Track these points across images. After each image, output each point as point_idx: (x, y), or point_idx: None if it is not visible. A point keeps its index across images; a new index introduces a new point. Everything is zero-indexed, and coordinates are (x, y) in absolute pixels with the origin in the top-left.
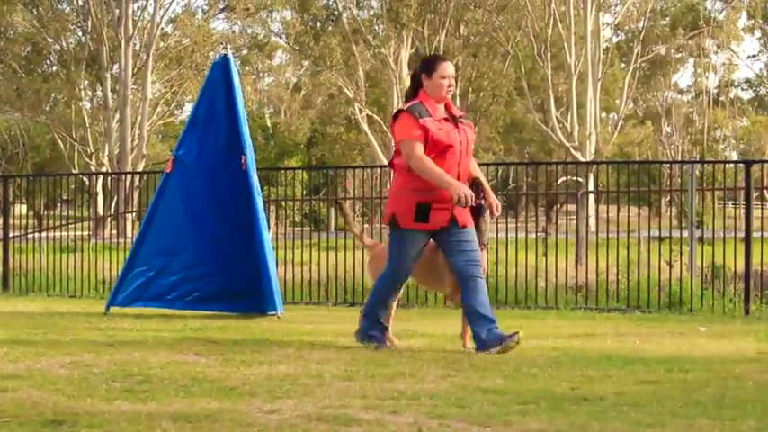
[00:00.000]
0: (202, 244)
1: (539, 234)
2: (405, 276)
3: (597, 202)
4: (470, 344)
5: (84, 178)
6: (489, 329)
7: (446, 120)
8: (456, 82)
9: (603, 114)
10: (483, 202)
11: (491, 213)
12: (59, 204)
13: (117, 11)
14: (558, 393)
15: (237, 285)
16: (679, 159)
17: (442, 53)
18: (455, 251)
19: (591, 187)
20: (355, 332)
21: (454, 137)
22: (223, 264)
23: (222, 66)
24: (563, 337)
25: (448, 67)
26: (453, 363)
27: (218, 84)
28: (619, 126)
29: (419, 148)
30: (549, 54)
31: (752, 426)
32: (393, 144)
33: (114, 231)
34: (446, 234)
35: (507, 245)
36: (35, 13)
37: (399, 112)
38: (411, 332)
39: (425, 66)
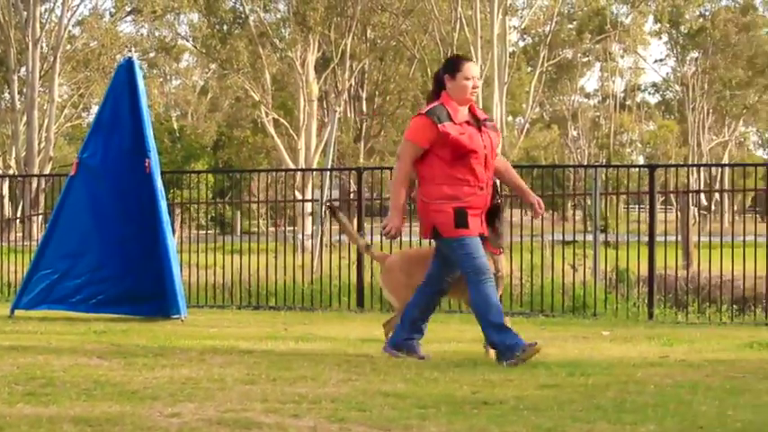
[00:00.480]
0: (107, 247)
1: None
2: (486, 272)
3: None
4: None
5: None
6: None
7: (468, 123)
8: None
9: (510, 118)
10: (500, 201)
11: (535, 212)
12: None
13: (24, 13)
14: (459, 397)
15: (142, 289)
16: (585, 163)
17: (348, 57)
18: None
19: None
20: (495, 355)
21: (477, 141)
22: (127, 267)
23: (127, 69)
24: (465, 342)
25: (472, 68)
26: (355, 366)
27: (123, 87)
28: (525, 130)
29: (413, 152)
30: None
31: (652, 430)
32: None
33: (20, 234)
34: None
35: (411, 247)
36: None
37: (419, 114)
38: (313, 336)
39: (449, 66)
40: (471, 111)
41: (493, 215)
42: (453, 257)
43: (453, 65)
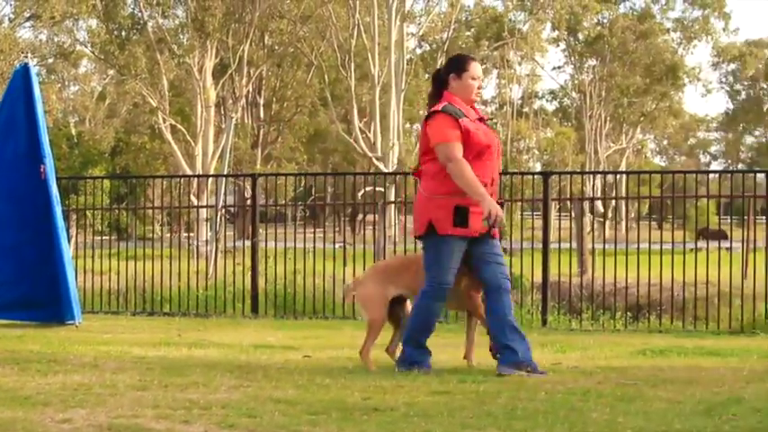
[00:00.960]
0: (1, 252)
1: (339, 245)
2: (445, 291)
3: (400, 212)
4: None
5: None
6: (527, 347)
7: (480, 120)
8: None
9: (407, 125)
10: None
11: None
12: None
13: None
14: (350, 403)
15: (37, 294)
16: None
17: (245, 63)
18: (488, 261)
19: (392, 197)
20: (396, 360)
21: (491, 137)
22: (22, 272)
23: (22, 74)
24: (358, 348)
25: (478, 68)
26: (247, 373)
27: (19, 92)
28: None
29: (459, 151)
30: (352, 64)
31: None
32: (419, 148)
33: None
34: (480, 243)
35: (305, 255)
36: None
37: (434, 113)
38: (207, 342)
39: (455, 65)
40: (474, 110)
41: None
42: (427, 258)
43: (460, 64)
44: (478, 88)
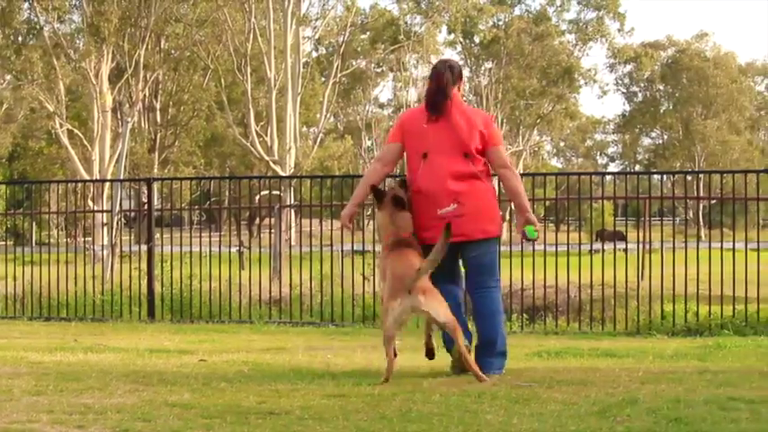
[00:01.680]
0: None
1: (234, 248)
2: None
3: (298, 215)
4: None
5: None
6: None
7: None
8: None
9: (304, 128)
10: None
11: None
12: None
13: None
14: (245, 407)
15: None
16: None
17: (141, 67)
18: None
19: (290, 201)
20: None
21: None
22: None
23: None
24: (254, 351)
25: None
26: (143, 377)
27: None
28: (319, 140)
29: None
30: (249, 68)
31: None
32: (473, 148)
33: None
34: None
35: (201, 259)
36: None
37: (489, 115)
38: (103, 346)
39: (459, 74)
40: None
41: None
42: (490, 257)
43: (460, 73)
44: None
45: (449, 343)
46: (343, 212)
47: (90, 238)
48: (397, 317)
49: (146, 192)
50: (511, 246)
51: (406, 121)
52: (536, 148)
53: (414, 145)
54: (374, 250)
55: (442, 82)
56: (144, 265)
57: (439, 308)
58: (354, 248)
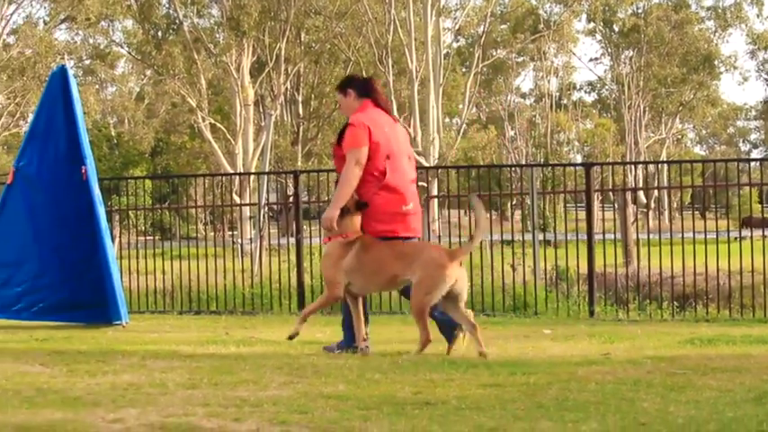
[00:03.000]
0: (46, 255)
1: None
2: None
3: (442, 206)
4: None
5: None
6: None
7: None
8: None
9: (447, 119)
10: None
11: None
12: None
13: None
14: (401, 398)
15: (82, 295)
16: (523, 163)
17: (282, 60)
18: None
19: (435, 192)
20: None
21: None
22: (67, 274)
23: (60, 76)
24: (407, 342)
25: None
26: (296, 369)
27: (57, 94)
28: (462, 130)
29: None
30: (390, 60)
31: (594, 428)
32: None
33: None
34: None
35: None
36: None
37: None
38: (254, 339)
39: None
40: None
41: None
42: None
43: None
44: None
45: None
46: (330, 215)
47: (236, 232)
48: (445, 288)
49: (291, 184)
50: (660, 234)
51: (372, 126)
52: (679, 136)
53: (381, 147)
54: (523, 240)
55: (382, 92)
56: (293, 258)
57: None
58: (501, 238)
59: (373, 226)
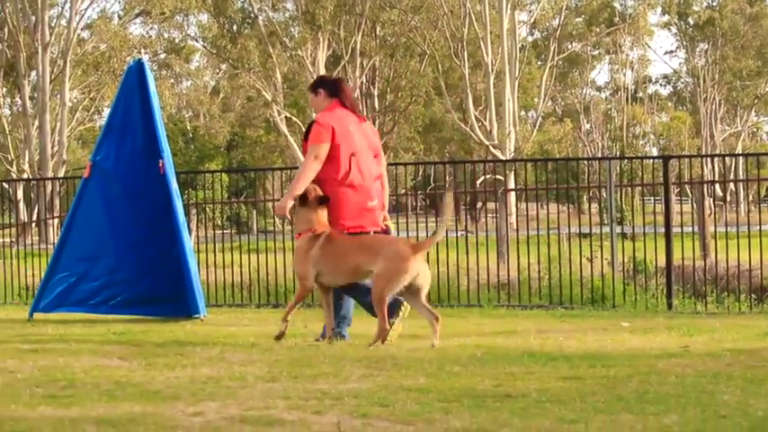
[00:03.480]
0: (123, 249)
1: (461, 233)
2: None
3: (519, 199)
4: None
5: (5, 185)
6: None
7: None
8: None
9: (522, 112)
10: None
11: None
12: None
13: (33, 18)
14: (481, 391)
15: (159, 289)
16: (599, 156)
17: (358, 54)
18: None
19: (511, 185)
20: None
21: None
22: (144, 268)
23: (136, 71)
24: (486, 335)
25: None
26: (376, 362)
27: (133, 88)
28: (538, 124)
29: None
30: (465, 53)
31: (675, 420)
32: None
33: (37, 238)
34: None
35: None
36: None
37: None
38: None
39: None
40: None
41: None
42: None
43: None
44: None
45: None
46: (282, 204)
47: None
48: (406, 280)
49: None
50: (738, 226)
51: (336, 125)
52: (754, 129)
53: (344, 145)
54: (601, 232)
55: (350, 93)
56: None
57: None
58: (577, 231)
59: (341, 223)
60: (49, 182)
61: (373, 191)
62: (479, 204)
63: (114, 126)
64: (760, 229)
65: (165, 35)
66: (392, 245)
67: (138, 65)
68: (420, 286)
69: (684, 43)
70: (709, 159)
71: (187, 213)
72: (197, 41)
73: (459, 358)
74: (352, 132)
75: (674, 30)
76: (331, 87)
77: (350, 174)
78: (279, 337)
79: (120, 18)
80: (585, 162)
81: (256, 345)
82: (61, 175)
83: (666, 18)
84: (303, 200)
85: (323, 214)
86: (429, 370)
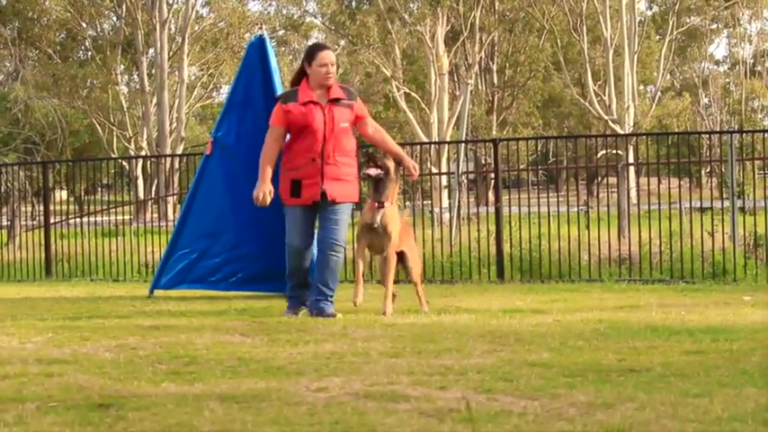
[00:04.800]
0: (244, 225)
1: (581, 208)
2: (294, 250)
3: (638, 174)
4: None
5: (124, 162)
6: (316, 300)
7: (313, 103)
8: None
9: (641, 87)
10: (379, 171)
11: (411, 175)
12: (100, 189)
13: None
14: (605, 365)
15: (280, 266)
16: (718, 130)
17: (477, 29)
18: (322, 225)
19: (631, 160)
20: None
21: (315, 118)
22: (265, 245)
23: (258, 47)
24: (608, 310)
25: (327, 56)
26: (499, 337)
27: (255, 65)
28: (657, 98)
29: (271, 134)
30: (584, 28)
31: None
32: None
33: (156, 215)
34: (320, 208)
35: (550, 219)
36: None
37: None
38: (456, 308)
39: (306, 55)
40: (329, 92)
41: (377, 180)
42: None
43: (310, 54)
44: (327, 74)
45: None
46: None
47: (429, 201)
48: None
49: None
50: None
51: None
52: None
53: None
54: (722, 206)
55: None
56: (492, 227)
57: None
58: (697, 205)
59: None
60: (168, 159)
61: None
62: (598, 179)
63: (236, 102)
64: None
65: (284, 11)
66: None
67: (260, 41)
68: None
69: None
70: None
71: None
72: (315, 18)
73: (583, 333)
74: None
75: None
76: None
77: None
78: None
79: None
80: (705, 136)
81: (378, 321)
82: (179, 152)
83: None
84: (388, 173)
85: (394, 188)
86: (552, 345)
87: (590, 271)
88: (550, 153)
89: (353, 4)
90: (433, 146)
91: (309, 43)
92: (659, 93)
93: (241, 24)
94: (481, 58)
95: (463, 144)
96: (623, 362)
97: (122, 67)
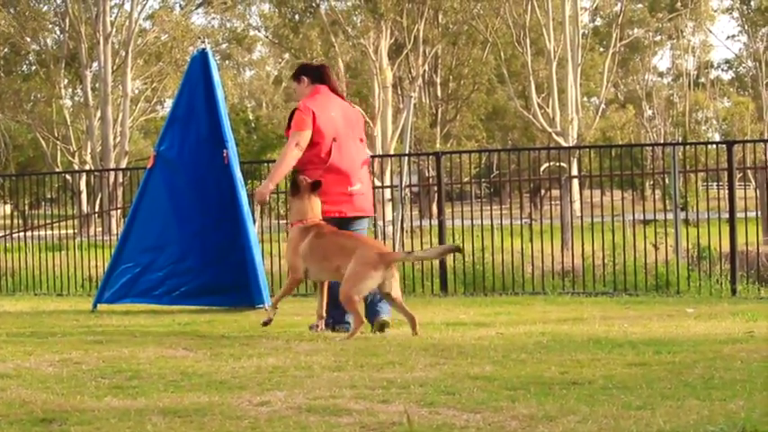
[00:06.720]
0: (187, 239)
1: (524, 220)
2: None
3: (582, 186)
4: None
5: (68, 176)
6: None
7: None
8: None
9: (585, 99)
10: None
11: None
12: (44, 203)
13: (95, 9)
14: (548, 378)
15: (224, 279)
16: (661, 142)
17: (420, 42)
18: None
19: (575, 172)
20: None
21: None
22: (209, 258)
23: (201, 60)
24: (551, 322)
25: None
26: (442, 351)
27: (197, 78)
28: (600, 110)
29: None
30: (527, 40)
31: (741, 406)
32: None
33: (100, 229)
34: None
35: (493, 232)
36: (12, 12)
37: None
38: (400, 321)
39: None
40: None
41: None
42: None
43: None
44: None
45: (372, 315)
46: (262, 191)
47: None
48: (371, 285)
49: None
50: (746, 211)
51: (317, 110)
52: None
53: (326, 130)
54: (665, 219)
55: (335, 79)
56: (434, 240)
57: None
58: (640, 218)
59: (321, 207)
60: (112, 173)
61: (355, 176)
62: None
63: (178, 116)
64: None
65: (227, 25)
66: (366, 249)
67: (203, 54)
68: (388, 291)
69: (746, 28)
70: (765, 145)
71: (251, 203)
72: (259, 31)
73: (525, 346)
74: (335, 118)
75: (735, 14)
76: (314, 74)
77: (330, 158)
78: (266, 323)
79: (181, 8)
80: (648, 148)
81: (322, 334)
82: (123, 165)
83: (728, 2)
84: (295, 190)
85: (316, 203)
86: (495, 358)
87: (533, 284)
88: (494, 166)
89: (297, 17)
90: (376, 159)
91: (253, 57)
92: (603, 105)
93: (184, 38)
94: (425, 71)
95: (407, 157)
96: (566, 375)
97: (66, 81)
